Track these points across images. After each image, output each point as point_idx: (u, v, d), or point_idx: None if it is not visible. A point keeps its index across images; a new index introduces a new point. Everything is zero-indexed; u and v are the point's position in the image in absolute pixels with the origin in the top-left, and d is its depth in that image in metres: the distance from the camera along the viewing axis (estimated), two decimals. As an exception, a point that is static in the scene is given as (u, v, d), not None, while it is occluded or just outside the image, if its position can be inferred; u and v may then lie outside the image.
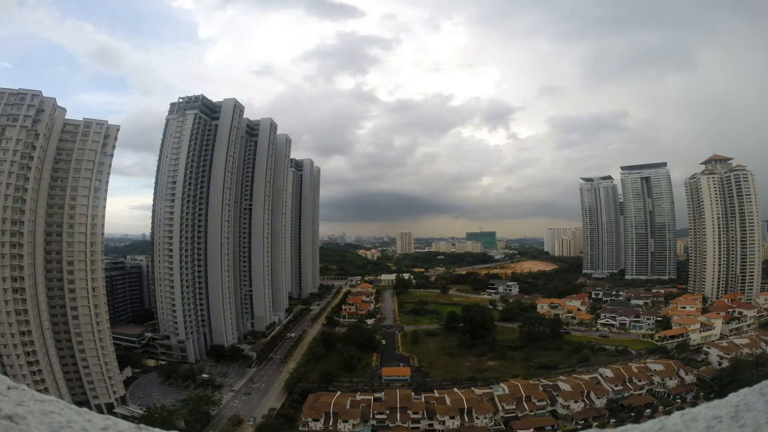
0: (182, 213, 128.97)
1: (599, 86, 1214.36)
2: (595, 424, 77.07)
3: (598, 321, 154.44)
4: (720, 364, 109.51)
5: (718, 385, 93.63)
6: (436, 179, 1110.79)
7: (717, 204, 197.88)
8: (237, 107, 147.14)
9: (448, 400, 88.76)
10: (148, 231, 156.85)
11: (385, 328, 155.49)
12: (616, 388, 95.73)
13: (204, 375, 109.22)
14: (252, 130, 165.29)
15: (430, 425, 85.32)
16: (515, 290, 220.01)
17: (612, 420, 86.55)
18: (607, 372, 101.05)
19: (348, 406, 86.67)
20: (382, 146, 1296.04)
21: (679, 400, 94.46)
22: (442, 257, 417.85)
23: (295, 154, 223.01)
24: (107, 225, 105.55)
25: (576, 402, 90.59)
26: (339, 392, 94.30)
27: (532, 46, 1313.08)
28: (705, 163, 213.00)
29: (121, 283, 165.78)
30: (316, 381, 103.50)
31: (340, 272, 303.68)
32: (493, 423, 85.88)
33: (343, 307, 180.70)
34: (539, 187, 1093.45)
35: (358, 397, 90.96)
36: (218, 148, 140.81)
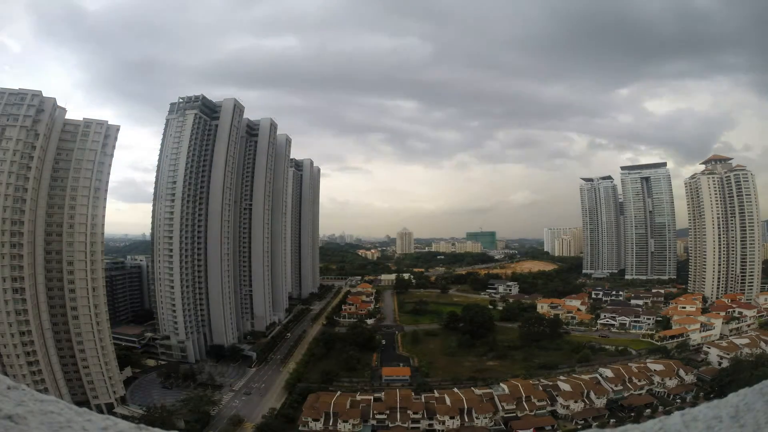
0: (182, 213, 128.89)
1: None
2: (595, 424, 77.20)
3: (598, 321, 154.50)
4: (720, 364, 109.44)
5: (718, 385, 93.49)
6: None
7: (717, 204, 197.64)
8: (237, 107, 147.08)
9: (448, 400, 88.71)
10: (148, 231, 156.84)
11: (385, 328, 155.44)
12: (616, 388, 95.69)
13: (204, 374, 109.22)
14: (252, 130, 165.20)
15: (430, 425, 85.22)
16: (515, 290, 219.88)
17: (612, 420, 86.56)
18: (607, 372, 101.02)
19: (348, 406, 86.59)
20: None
21: (679, 400, 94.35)
22: (442, 257, 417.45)
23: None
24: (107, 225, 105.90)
25: (576, 402, 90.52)
26: (339, 392, 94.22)
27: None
28: (705, 163, 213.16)
29: (121, 283, 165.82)
30: (316, 381, 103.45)
31: (340, 272, 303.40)
32: (493, 423, 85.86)
33: (343, 307, 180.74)
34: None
35: (358, 397, 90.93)
36: (218, 148, 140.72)
